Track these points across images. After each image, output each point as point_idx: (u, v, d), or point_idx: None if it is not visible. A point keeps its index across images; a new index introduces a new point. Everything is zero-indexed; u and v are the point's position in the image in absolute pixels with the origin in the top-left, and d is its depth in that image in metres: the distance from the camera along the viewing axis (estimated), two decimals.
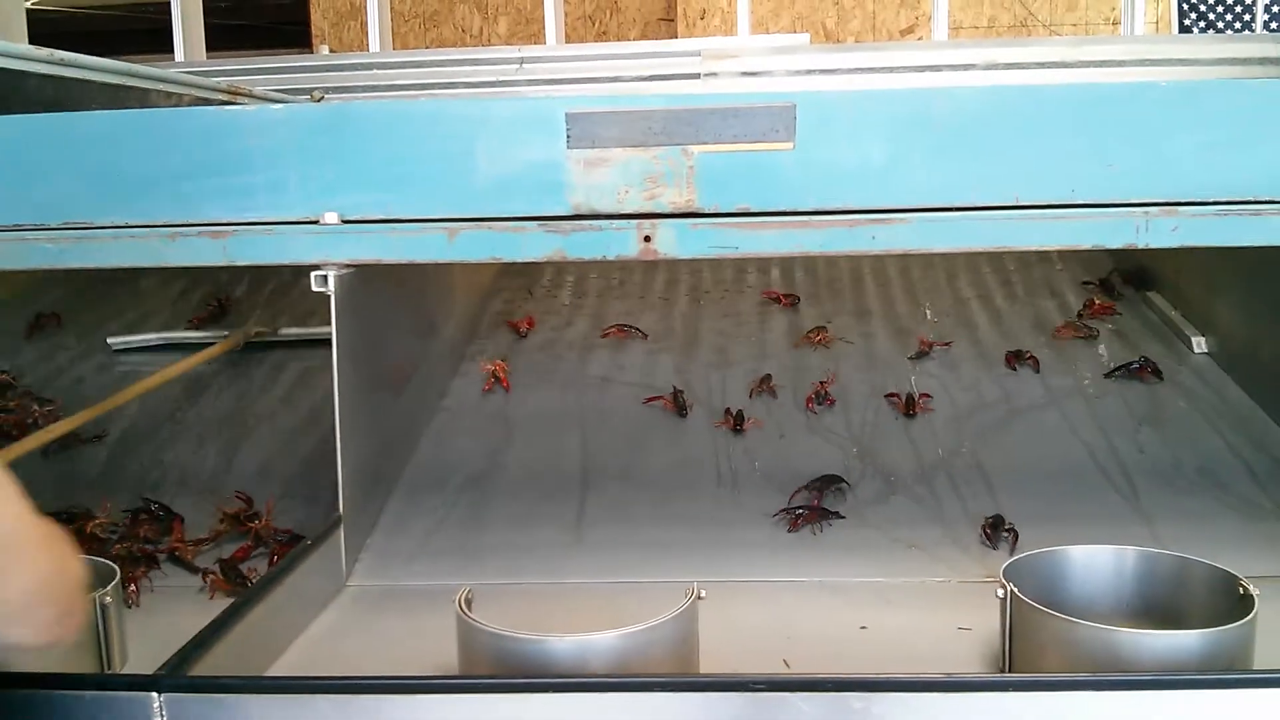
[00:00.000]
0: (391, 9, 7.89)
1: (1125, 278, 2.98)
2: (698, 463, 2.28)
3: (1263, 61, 3.84)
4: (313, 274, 1.88)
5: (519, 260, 1.87)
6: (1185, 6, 7.52)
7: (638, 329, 2.80)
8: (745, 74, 4.08)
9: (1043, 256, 3.20)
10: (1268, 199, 1.82)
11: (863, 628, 1.72)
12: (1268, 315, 2.43)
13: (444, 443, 2.39)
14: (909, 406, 2.41)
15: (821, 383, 2.50)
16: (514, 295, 3.07)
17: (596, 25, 7.49)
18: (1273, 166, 1.82)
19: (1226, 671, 1.37)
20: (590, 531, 2.07)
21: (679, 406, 2.43)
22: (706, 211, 1.87)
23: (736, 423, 2.37)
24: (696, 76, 4.05)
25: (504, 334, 2.85)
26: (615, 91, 3.93)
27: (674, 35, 7.20)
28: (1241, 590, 1.50)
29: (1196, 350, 2.63)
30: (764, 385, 2.52)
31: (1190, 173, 1.83)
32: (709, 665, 1.54)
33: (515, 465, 2.30)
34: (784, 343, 2.77)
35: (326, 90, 3.94)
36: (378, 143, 1.87)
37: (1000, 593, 1.52)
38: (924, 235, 1.87)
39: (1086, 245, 1.88)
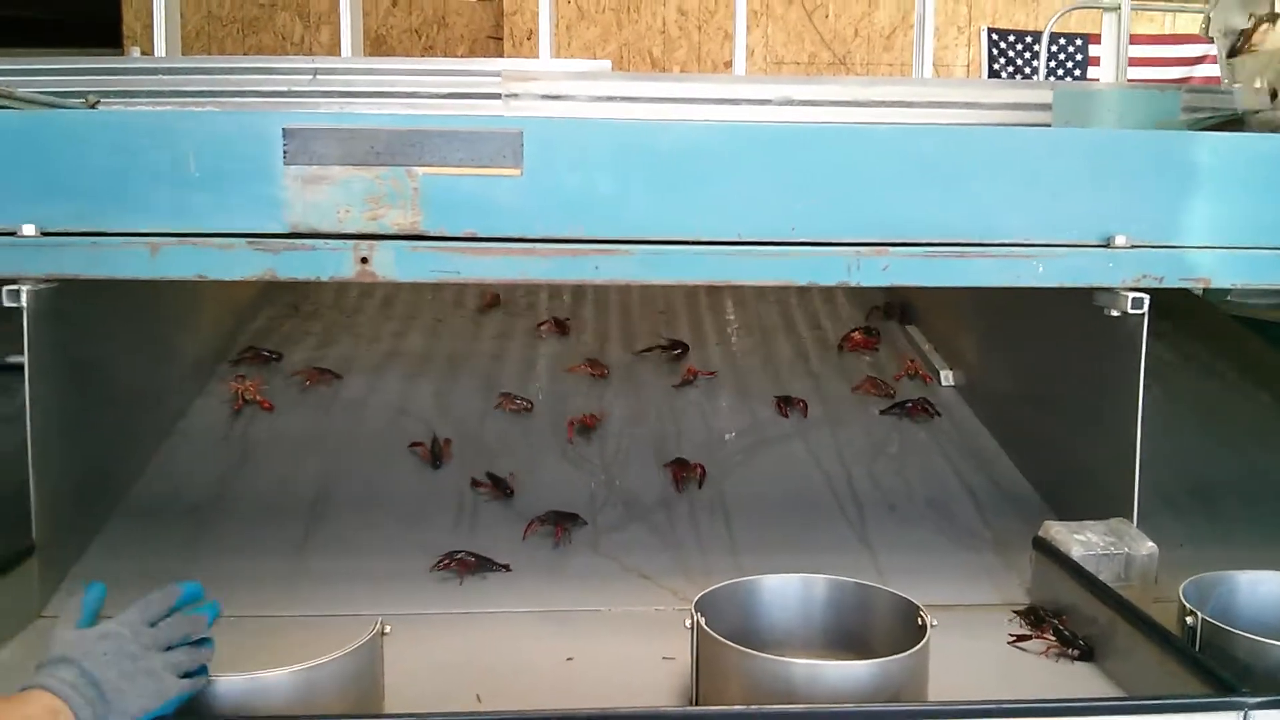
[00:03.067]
0: (209, 13, 7.67)
1: (889, 312, 3.07)
2: (440, 493, 2.24)
3: (1035, 106, 4.04)
4: (4, 289, 1.76)
5: (226, 279, 1.80)
6: (995, 51, 7.91)
7: None
8: (545, 97, 4.07)
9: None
10: (971, 241, 1.90)
11: (569, 659, 1.70)
12: (1000, 351, 2.54)
13: (175, 467, 2.28)
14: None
15: (589, 415, 2.48)
16: (279, 313, 2.97)
17: (423, 39, 7.40)
18: (976, 210, 1.90)
19: (887, 704, 1.40)
20: (313, 561, 2.00)
21: (434, 456, 2.33)
22: (432, 234, 1.84)
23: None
24: (498, 97, 4.02)
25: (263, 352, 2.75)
26: (410, 109, 3.88)
27: (501, 53, 7.17)
28: (919, 620, 1.54)
29: (944, 383, 2.73)
30: (508, 401, 2.52)
31: (901, 214, 1.89)
32: (395, 703, 1.50)
33: (246, 491, 2.21)
34: (553, 369, 2.75)
35: (103, 95, 3.76)
36: (81, 153, 1.77)
37: (688, 623, 1.53)
38: (647, 267, 1.87)
39: (802, 282, 1.93)
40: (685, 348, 2.82)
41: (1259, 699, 1.34)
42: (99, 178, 1.77)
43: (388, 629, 1.48)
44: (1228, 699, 1.34)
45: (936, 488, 2.32)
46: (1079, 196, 1.92)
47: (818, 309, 3.18)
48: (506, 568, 1.97)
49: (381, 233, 1.83)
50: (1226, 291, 3.17)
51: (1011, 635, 1.77)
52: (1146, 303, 1.89)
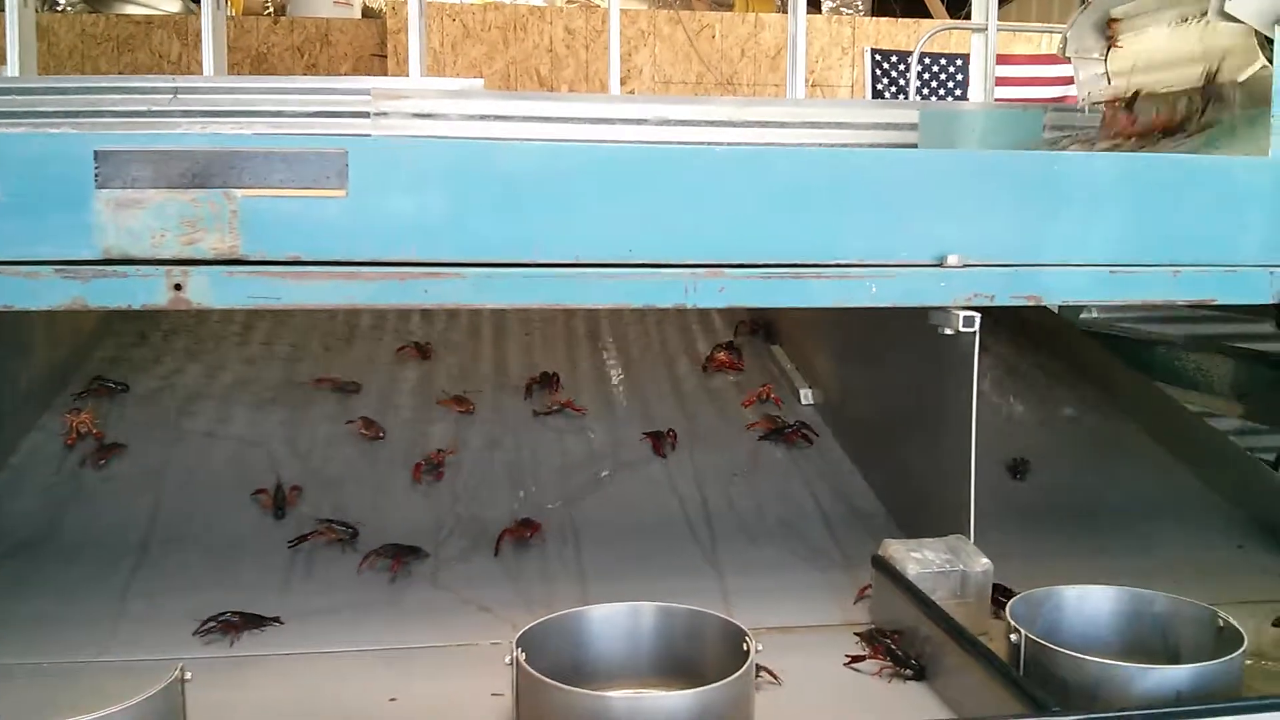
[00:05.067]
0: (83, 31, 7.43)
1: (754, 330, 3.07)
2: (270, 529, 2.15)
3: (906, 126, 4.10)
4: None
5: (32, 309, 1.71)
6: (878, 72, 8.06)
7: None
8: (417, 115, 4.01)
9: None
10: (806, 262, 1.89)
11: (392, 699, 1.64)
12: (855, 370, 2.55)
13: (3, 504, 2.17)
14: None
15: (439, 451, 2.42)
16: (126, 340, 2.85)
17: (306, 57, 7.26)
18: (812, 231, 1.90)
19: None
20: (134, 604, 1.91)
21: (277, 505, 2.22)
22: (251, 259, 1.77)
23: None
24: (366, 115, 3.95)
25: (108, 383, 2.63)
26: (276, 128, 3.78)
27: (385, 71, 7.07)
28: (744, 646, 1.52)
29: (803, 402, 2.73)
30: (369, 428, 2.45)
31: (737, 235, 1.88)
32: None
33: (74, 528, 2.11)
34: (416, 397, 2.68)
35: None
36: None
37: (507, 659, 1.48)
38: (481, 290, 1.83)
39: (639, 304, 1.90)
40: (556, 379, 2.76)
41: (1070, 718, 1.34)
42: None
43: (189, 675, 1.41)
44: (1037, 719, 1.34)
45: (790, 508, 2.32)
46: (913, 217, 1.93)
47: (692, 324, 3.16)
48: (277, 620, 1.84)
49: (199, 258, 1.76)
50: (1080, 309, 3.26)
51: (848, 656, 1.76)
52: (978, 321, 1.91)
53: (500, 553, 2.11)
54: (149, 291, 1.73)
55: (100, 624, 1.85)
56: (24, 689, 1.61)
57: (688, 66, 7.52)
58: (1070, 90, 8.14)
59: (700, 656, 1.61)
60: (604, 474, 2.41)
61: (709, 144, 3.40)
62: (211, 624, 1.80)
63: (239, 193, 1.77)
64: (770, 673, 1.64)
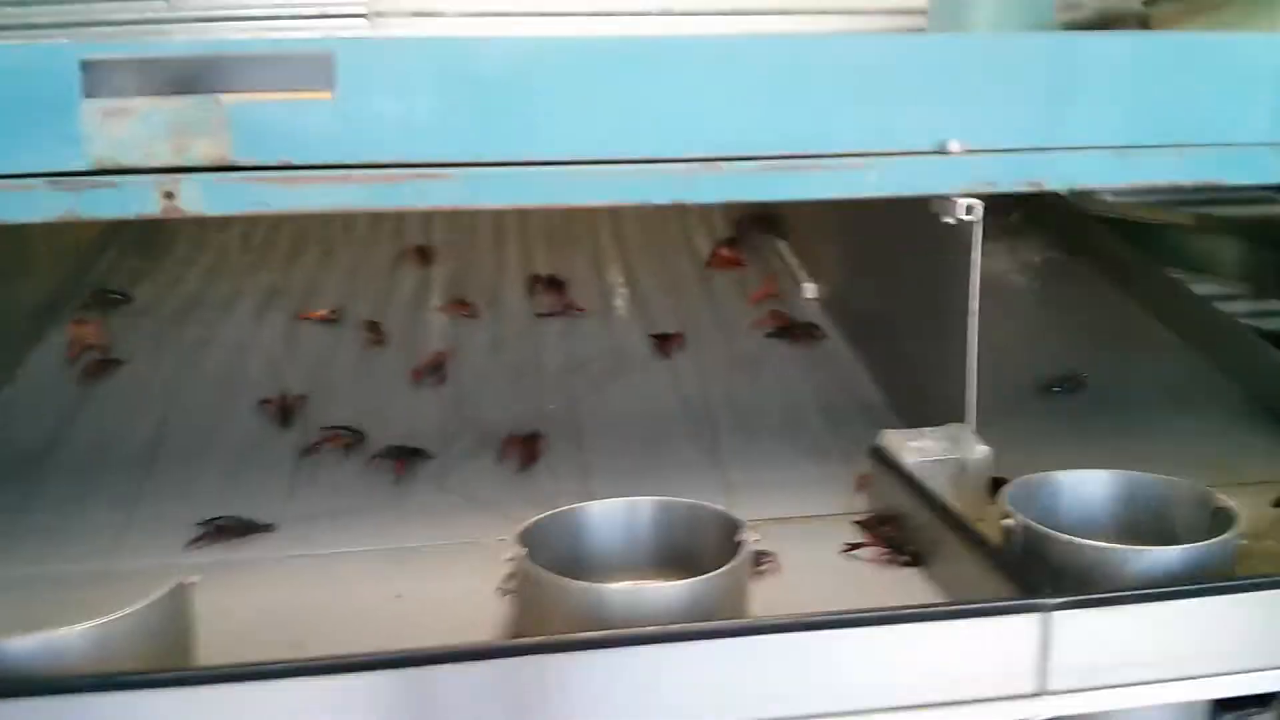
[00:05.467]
0: None
1: (757, 226, 3.05)
2: (276, 437, 2.18)
3: (916, 12, 3.99)
4: None
5: (25, 221, 1.71)
6: None
7: None
8: (416, 14, 3.94)
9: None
10: (804, 154, 1.87)
11: (398, 596, 1.68)
12: (859, 263, 2.54)
13: (7, 417, 2.20)
14: None
15: (438, 353, 2.43)
16: (126, 250, 2.86)
17: None
18: (809, 121, 1.86)
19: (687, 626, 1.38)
20: (142, 511, 1.94)
21: (283, 414, 2.22)
22: (243, 165, 1.76)
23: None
24: (364, 16, 3.88)
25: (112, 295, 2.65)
26: (272, 32, 3.72)
27: None
28: (739, 537, 1.54)
29: (805, 296, 2.72)
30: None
31: (733, 128, 1.85)
32: (208, 657, 1.46)
33: (80, 441, 2.14)
34: (412, 304, 2.68)
35: None
36: None
37: (507, 556, 1.51)
38: (472, 191, 1.82)
39: (635, 201, 1.88)
40: (561, 283, 2.75)
41: (1059, 600, 1.36)
42: None
43: (194, 579, 1.44)
44: (1027, 601, 1.36)
45: (792, 402, 2.32)
46: (912, 103, 1.89)
47: (696, 221, 3.14)
48: (269, 527, 1.87)
49: (190, 165, 1.75)
50: (1092, 193, 3.21)
51: (845, 544, 1.78)
52: (980, 209, 1.88)
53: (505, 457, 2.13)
54: (141, 201, 1.73)
55: (105, 533, 1.88)
56: (30, 597, 1.66)
57: None
58: None
59: (698, 549, 1.63)
60: (616, 361, 2.42)
61: (709, 35, 3.31)
62: (202, 531, 1.83)
63: (226, 98, 1.75)
64: (772, 559, 1.67)
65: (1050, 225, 3.08)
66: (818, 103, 1.87)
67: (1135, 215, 3.13)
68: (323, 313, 2.60)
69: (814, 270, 2.79)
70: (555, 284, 2.72)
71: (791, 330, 2.53)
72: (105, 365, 2.35)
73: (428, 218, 3.09)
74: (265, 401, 2.25)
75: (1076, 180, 2.00)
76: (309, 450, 2.11)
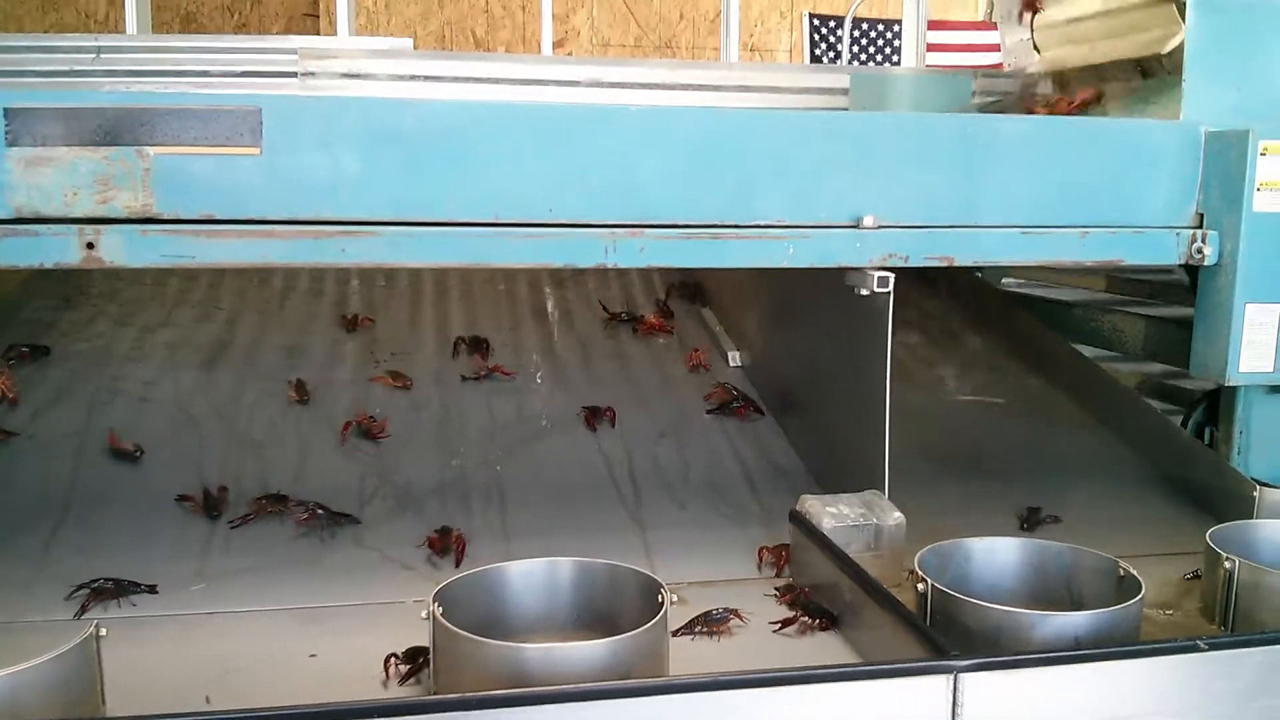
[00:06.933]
0: None
1: (682, 293, 3.09)
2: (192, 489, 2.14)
3: (838, 91, 4.12)
4: None
5: None
6: (816, 37, 8.08)
7: None
8: (345, 75, 3.96)
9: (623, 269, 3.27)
10: (725, 223, 1.92)
11: (312, 655, 1.65)
12: (779, 332, 2.59)
13: None
14: None
15: (370, 417, 2.40)
16: (46, 304, 2.80)
17: (236, 16, 7.11)
18: (732, 192, 1.92)
19: (614, 684, 1.39)
20: (56, 566, 1.89)
21: (208, 507, 2.08)
22: (165, 217, 1.75)
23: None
24: (294, 76, 3.89)
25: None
26: (201, 88, 3.72)
27: (318, 31, 6.95)
28: (659, 598, 1.55)
29: (732, 364, 2.76)
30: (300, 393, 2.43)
31: (658, 195, 1.90)
32: (116, 708, 1.43)
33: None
34: (349, 366, 2.66)
35: None
36: None
37: (424, 615, 1.50)
38: (397, 249, 1.83)
39: (559, 264, 1.92)
40: (486, 344, 2.74)
41: (967, 661, 1.39)
42: None
43: (103, 631, 1.41)
44: (937, 663, 1.38)
45: (714, 467, 2.35)
46: (830, 178, 1.96)
47: (632, 286, 3.16)
48: (153, 589, 1.81)
49: (112, 216, 1.74)
50: (1003, 271, 3.32)
51: (773, 622, 1.78)
52: (891, 281, 1.94)
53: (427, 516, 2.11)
54: (62, 250, 1.71)
55: (18, 586, 1.83)
56: None
57: (626, 29, 7.48)
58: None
59: (618, 610, 1.64)
60: (541, 425, 2.42)
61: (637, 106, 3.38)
62: (84, 590, 1.77)
63: (152, 150, 1.75)
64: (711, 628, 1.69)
65: (964, 299, 3.17)
66: (740, 174, 1.93)
67: (1043, 291, 3.24)
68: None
69: (737, 337, 2.83)
70: (479, 344, 2.72)
71: (733, 406, 2.55)
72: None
73: (366, 274, 3.08)
74: (184, 498, 2.10)
75: (985, 257, 2.08)
76: (240, 521, 2.05)
